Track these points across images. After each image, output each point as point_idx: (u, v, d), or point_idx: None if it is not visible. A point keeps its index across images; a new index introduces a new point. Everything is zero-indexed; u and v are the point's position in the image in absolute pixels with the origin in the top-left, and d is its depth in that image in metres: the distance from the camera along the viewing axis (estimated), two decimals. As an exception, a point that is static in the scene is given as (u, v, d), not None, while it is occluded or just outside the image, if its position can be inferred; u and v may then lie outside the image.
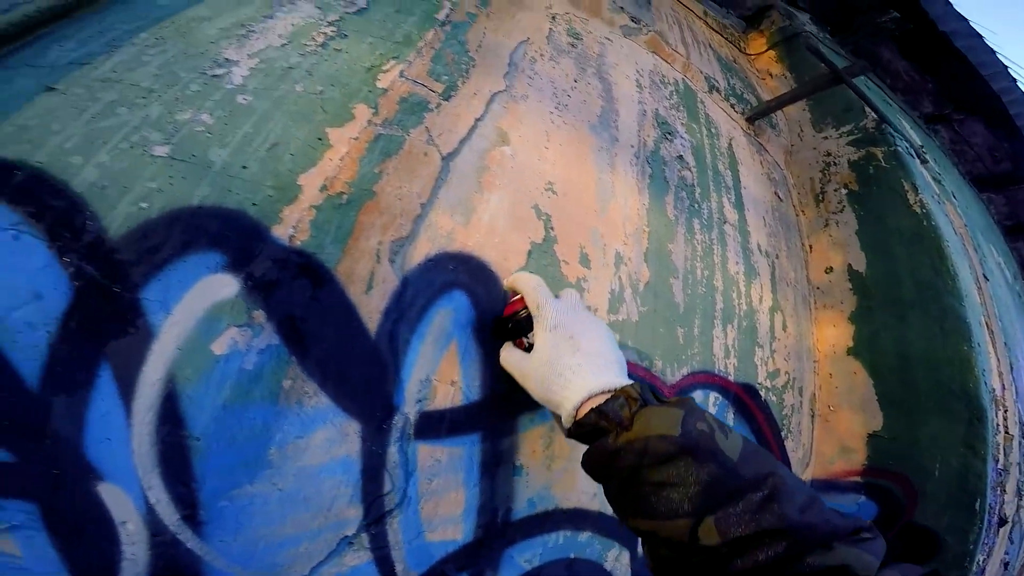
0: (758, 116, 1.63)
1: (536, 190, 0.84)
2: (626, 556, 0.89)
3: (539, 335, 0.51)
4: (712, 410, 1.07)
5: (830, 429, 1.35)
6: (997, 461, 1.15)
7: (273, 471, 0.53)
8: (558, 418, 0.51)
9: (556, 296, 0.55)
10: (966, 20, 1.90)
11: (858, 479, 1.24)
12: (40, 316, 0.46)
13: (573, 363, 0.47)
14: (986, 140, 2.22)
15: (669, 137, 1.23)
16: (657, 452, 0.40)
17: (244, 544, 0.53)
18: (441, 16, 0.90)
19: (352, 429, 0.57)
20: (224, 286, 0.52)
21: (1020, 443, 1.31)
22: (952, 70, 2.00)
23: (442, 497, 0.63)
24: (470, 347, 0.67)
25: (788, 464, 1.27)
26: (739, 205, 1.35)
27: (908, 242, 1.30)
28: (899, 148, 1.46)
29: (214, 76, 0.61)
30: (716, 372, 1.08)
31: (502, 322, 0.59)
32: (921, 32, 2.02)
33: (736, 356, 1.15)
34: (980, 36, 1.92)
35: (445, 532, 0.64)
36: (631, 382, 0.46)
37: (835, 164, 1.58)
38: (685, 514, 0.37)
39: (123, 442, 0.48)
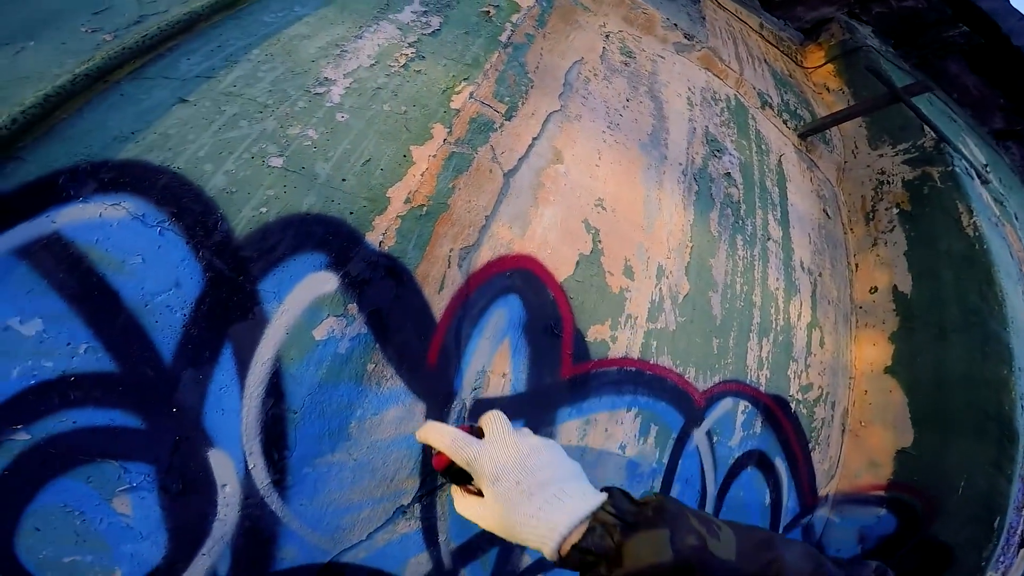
0: (811, 132, 1.61)
1: (587, 206, 0.90)
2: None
3: (486, 491, 0.46)
4: (740, 418, 1.10)
5: (860, 444, 1.34)
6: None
7: (351, 443, 0.62)
8: None
9: (478, 433, 0.50)
10: (1045, 35, 1.80)
11: (882, 493, 1.23)
12: (178, 301, 0.55)
13: (532, 510, 0.44)
14: None
15: (718, 154, 1.25)
16: None
17: (318, 507, 0.61)
18: (504, 38, 0.97)
19: (419, 409, 0.66)
20: (326, 282, 0.61)
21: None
22: (1027, 87, 1.90)
23: (492, 479, 0.71)
24: (520, 345, 0.74)
25: (812, 475, 1.29)
26: (784, 222, 1.36)
27: (957, 265, 1.27)
28: (957, 168, 1.41)
29: (316, 94, 0.70)
30: (748, 382, 1.11)
31: (441, 474, 0.53)
32: (992, 46, 1.92)
33: (769, 369, 1.17)
34: (1060, 52, 1.81)
35: (489, 510, 0.72)
36: (599, 500, 0.43)
37: (889, 183, 1.54)
38: None
39: (235, 412, 0.56)
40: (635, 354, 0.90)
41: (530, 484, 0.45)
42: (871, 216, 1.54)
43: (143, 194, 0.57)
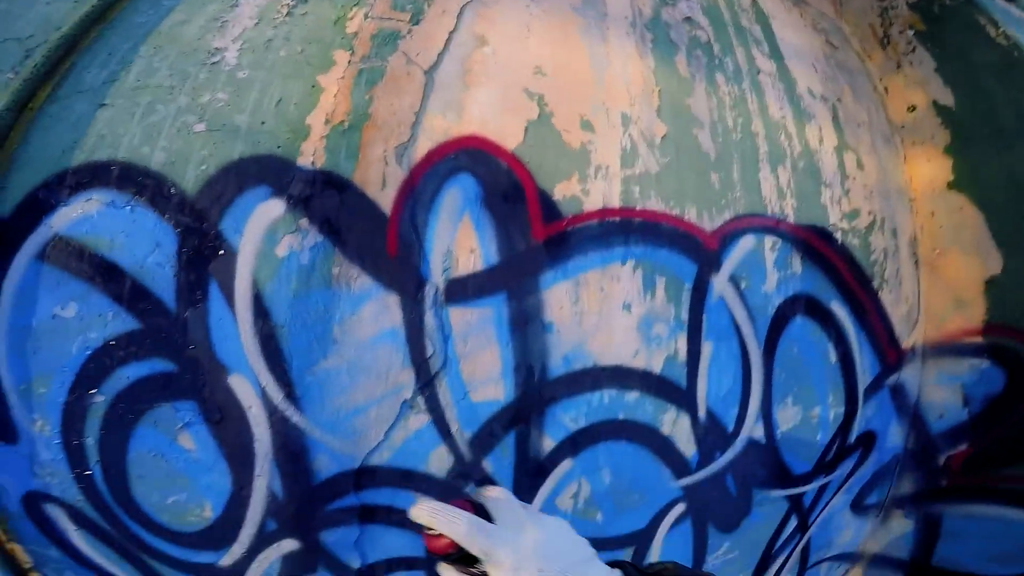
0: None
1: (524, 76, 0.87)
2: (686, 421, 0.91)
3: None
4: (770, 256, 1.00)
5: (939, 277, 1.17)
6: None
7: (339, 345, 0.68)
8: None
9: (488, 517, 0.46)
10: None
11: (979, 339, 1.07)
12: (164, 257, 0.65)
13: None
14: None
15: (670, 2, 1.14)
16: None
17: (330, 414, 0.69)
18: None
19: (393, 301, 0.70)
20: (274, 208, 0.67)
21: None
22: None
23: (479, 357, 0.73)
24: (481, 217, 0.76)
25: (887, 323, 1.14)
26: (776, 55, 1.20)
27: (999, 74, 1.09)
28: None
29: (213, 63, 0.75)
30: (769, 215, 1.02)
31: (439, 560, 0.48)
32: None
33: (794, 197, 1.05)
34: None
35: (487, 392, 0.75)
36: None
37: (893, 8, 1.32)
38: None
39: (235, 338, 0.65)
40: (615, 203, 0.86)
41: (551, 572, 0.44)
42: (886, 42, 1.34)
43: (105, 186, 0.68)
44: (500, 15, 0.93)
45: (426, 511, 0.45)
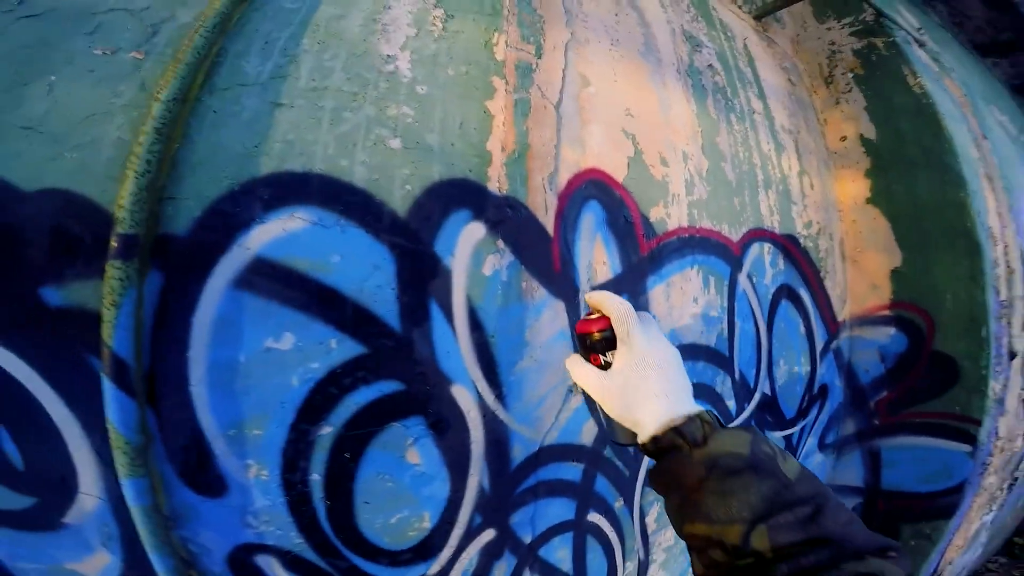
0: (765, 14, 1.76)
1: (619, 117, 1.06)
2: (728, 381, 1.22)
3: (628, 361, 0.53)
4: (767, 257, 1.36)
5: (860, 269, 1.65)
6: (999, 293, 1.41)
7: (530, 348, 0.81)
8: (625, 433, 0.53)
9: (640, 320, 0.56)
10: None
11: (887, 312, 1.55)
12: (384, 279, 0.68)
13: (657, 389, 0.51)
14: (984, 14, 2.34)
15: (698, 49, 1.40)
16: (725, 466, 0.45)
17: (523, 407, 0.80)
18: None
19: (560, 308, 0.85)
20: (477, 230, 0.75)
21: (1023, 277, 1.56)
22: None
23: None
24: (608, 237, 0.94)
25: (829, 302, 1.59)
26: (762, 95, 1.55)
27: (911, 116, 1.54)
28: (897, 38, 1.63)
29: (390, 72, 0.76)
30: (766, 228, 1.36)
31: (578, 337, 0.59)
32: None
33: (778, 213, 1.42)
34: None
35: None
36: (706, 408, 0.51)
37: (840, 52, 1.75)
38: (742, 520, 0.42)
39: (456, 352, 0.72)
40: (684, 223, 1.11)
41: (666, 372, 0.52)
42: (830, 80, 1.76)
43: (308, 201, 0.66)
44: (593, 56, 1.09)
45: (598, 295, 0.56)
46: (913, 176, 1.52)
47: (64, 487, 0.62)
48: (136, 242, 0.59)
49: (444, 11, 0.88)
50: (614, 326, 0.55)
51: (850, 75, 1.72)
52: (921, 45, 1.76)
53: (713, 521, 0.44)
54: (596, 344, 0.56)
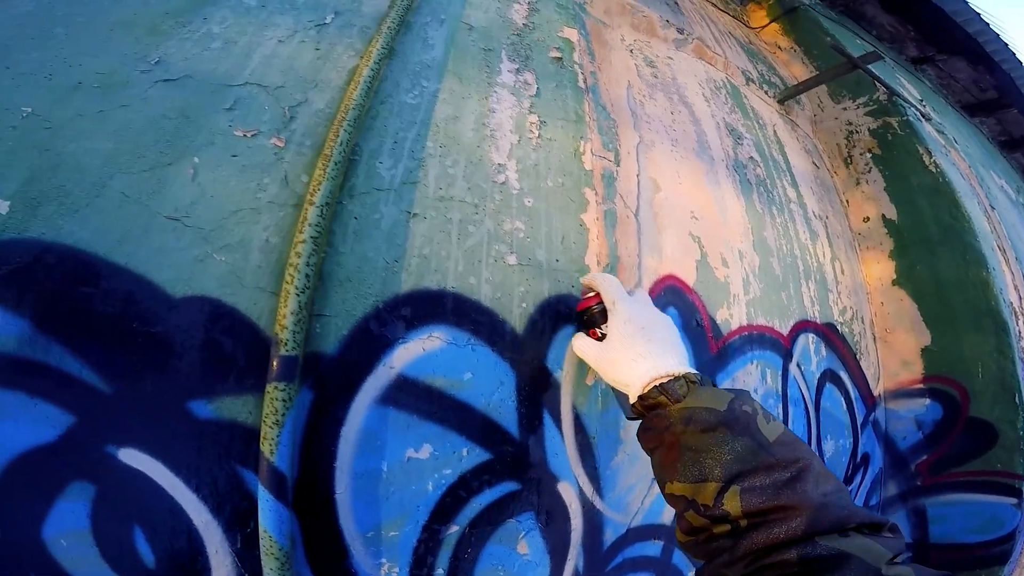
0: (787, 98, 1.96)
1: (686, 220, 1.18)
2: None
3: (615, 327, 0.59)
4: (812, 347, 1.47)
5: (890, 348, 1.77)
6: (1024, 361, 1.55)
7: (623, 444, 0.89)
8: (623, 398, 0.58)
9: (629, 293, 0.63)
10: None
11: (921, 385, 1.67)
12: (507, 392, 0.77)
13: (644, 350, 0.54)
14: (970, 75, 2.63)
15: (740, 142, 1.56)
16: (701, 421, 0.45)
17: (616, 496, 0.89)
18: (581, 83, 1.16)
19: None
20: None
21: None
22: (931, 19, 2.36)
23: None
24: (686, 340, 1.04)
25: (865, 380, 1.69)
26: (794, 183, 1.71)
27: (929, 195, 1.71)
28: (910, 117, 1.83)
29: (501, 183, 0.86)
30: (809, 319, 1.48)
31: (578, 315, 0.69)
32: (900, -11, 2.36)
33: (818, 303, 1.54)
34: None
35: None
36: (692, 371, 0.53)
37: (857, 132, 1.94)
38: (715, 479, 0.42)
39: (563, 453, 0.81)
40: (744, 322, 1.21)
41: (651, 334, 0.57)
42: (849, 161, 1.94)
43: (444, 321, 0.74)
44: (660, 158, 1.22)
45: (589, 276, 0.68)
46: (935, 255, 1.68)
47: (198, 587, 0.66)
48: (296, 363, 0.66)
49: (538, 117, 1.00)
50: (602, 298, 0.64)
51: (868, 155, 1.90)
52: (927, 119, 1.96)
53: (688, 479, 0.44)
54: (593, 318, 0.65)
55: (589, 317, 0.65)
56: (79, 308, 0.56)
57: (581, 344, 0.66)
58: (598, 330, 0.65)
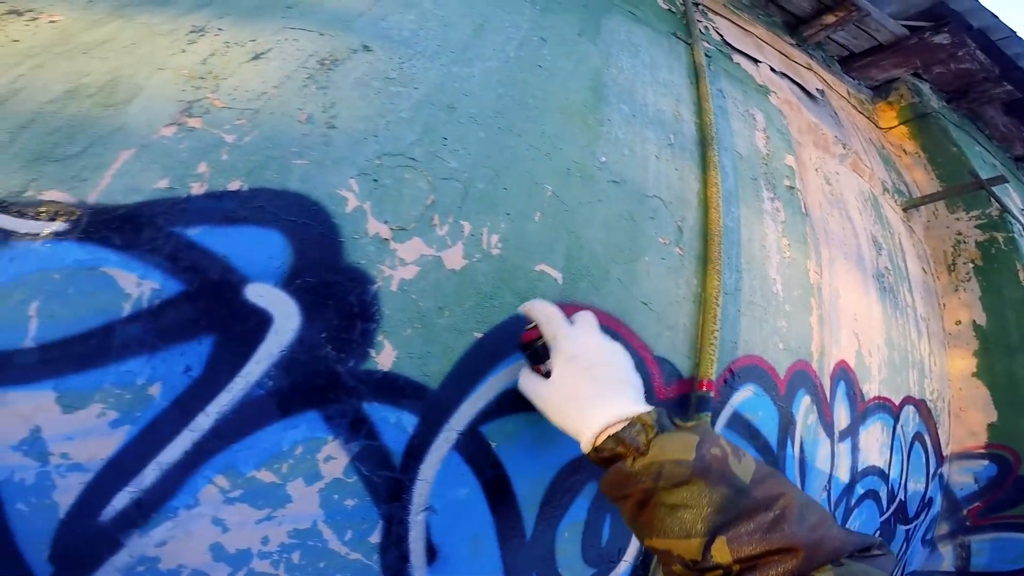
0: (912, 207, 2.58)
1: (851, 320, 1.85)
2: (885, 489, 1.96)
3: (557, 366, 0.56)
4: (910, 415, 2.13)
5: (962, 422, 2.45)
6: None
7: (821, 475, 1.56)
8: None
9: (571, 322, 0.60)
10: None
11: (983, 450, 2.34)
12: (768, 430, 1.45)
13: (591, 392, 0.53)
14: None
15: (880, 252, 2.20)
16: (672, 476, 0.46)
17: None
18: (801, 208, 1.82)
19: (827, 443, 1.60)
20: (808, 400, 1.51)
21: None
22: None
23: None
24: (846, 403, 1.71)
25: (939, 443, 2.35)
26: (911, 289, 2.37)
27: (1017, 308, 2.36)
28: (1015, 234, 2.45)
29: (775, 294, 1.56)
30: (911, 396, 2.13)
31: (520, 348, 0.63)
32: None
33: (917, 385, 2.22)
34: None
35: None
36: (648, 408, 0.52)
37: (964, 243, 2.56)
38: (698, 534, 0.43)
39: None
40: (876, 394, 1.91)
41: (599, 372, 0.55)
42: (952, 268, 2.57)
43: (756, 380, 1.41)
44: (839, 270, 1.89)
45: (528, 303, 0.62)
46: (1012, 357, 2.38)
47: None
48: (708, 401, 1.32)
49: (787, 241, 1.67)
50: (542, 331, 0.60)
51: (971, 265, 2.52)
52: (1030, 231, 2.56)
53: (669, 535, 0.45)
54: (536, 353, 0.61)
55: (532, 353, 0.62)
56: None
57: (525, 384, 0.62)
58: (542, 366, 0.62)
